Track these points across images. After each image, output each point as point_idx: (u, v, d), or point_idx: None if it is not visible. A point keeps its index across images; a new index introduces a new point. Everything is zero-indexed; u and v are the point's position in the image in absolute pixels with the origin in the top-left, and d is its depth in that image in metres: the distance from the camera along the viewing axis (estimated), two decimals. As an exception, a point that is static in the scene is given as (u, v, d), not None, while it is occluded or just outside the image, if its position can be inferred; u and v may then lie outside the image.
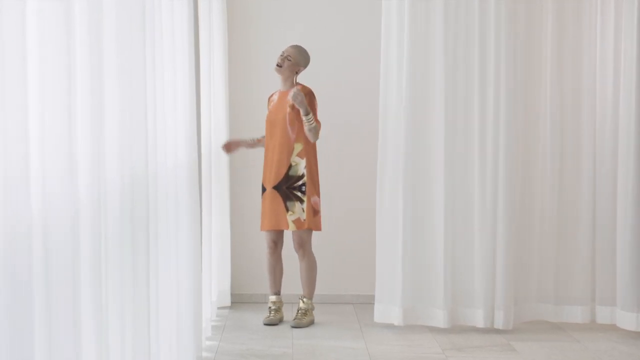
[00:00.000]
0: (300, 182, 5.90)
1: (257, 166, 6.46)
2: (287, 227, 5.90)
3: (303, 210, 5.87)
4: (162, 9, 3.85)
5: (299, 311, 5.99)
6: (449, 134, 5.75)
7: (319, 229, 5.98)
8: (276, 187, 5.91)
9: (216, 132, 6.20)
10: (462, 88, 5.77)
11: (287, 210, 5.89)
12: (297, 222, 5.88)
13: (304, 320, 5.94)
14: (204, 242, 5.40)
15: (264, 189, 5.99)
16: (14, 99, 2.05)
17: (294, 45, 6.03)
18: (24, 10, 2.08)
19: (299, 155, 5.89)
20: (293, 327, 5.89)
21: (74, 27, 2.44)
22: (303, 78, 6.24)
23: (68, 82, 2.38)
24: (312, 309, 6.02)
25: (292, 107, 5.88)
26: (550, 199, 5.89)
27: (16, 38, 2.05)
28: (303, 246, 5.97)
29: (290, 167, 5.90)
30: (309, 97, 5.89)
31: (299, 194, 5.89)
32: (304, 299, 6.01)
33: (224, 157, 6.37)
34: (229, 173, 6.54)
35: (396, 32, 5.80)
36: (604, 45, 5.85)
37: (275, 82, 6.22)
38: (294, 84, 6.00)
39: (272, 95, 6.11)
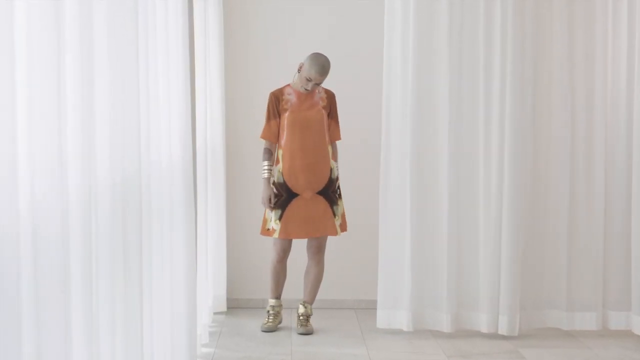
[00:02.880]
0: (336, 186, 5.77)
1: (255, 167, 6.24)
2: (335, 233, 5.73)
3: (338, 215, 5.76)
4: (156, 3, 3.72)
5: (302, 317, 5.81)
6: (453, 135, 5.60)
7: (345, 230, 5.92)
8: (322, 192, 5.71)
9: (212, 131, 6.02)
10: (466, 91, 5.62)
11: (335, 215, 5.72)
12: (341, 226, 5.78)
13: (310, 326, 5.78)
14: (199, 245, 5.29)
15: (291, 195, 5.67)
16: (1, 95, 2.02)
17: (320, 70, 5.59)
18: (12, 5, 2.06)
19: (332, 158, 5.76)
20: (302, 334, 5.72)
21: (64, 21, 2.41)
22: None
23: (57, 79, 2.33)
24: (311, 314, 5.86)
25: (325, 108, 5.74)
26: (560, 200, 5.70)
27: (4, 33, 2.03)
28: (322, 252, 5.83)
29: (331, 170, 5.74)
30: (334, 101, 5.80)
31: (337, 198, 5.76)
32: (307, 305, 5.83)
33: (220, 157, 6.17)
34: (226, 174, 6.34)
35: (400, 31, 5.64)
36: (616, 39, 5.67)
37: (274, 81, 6.04)
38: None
39: (281, 95, 5.75)
